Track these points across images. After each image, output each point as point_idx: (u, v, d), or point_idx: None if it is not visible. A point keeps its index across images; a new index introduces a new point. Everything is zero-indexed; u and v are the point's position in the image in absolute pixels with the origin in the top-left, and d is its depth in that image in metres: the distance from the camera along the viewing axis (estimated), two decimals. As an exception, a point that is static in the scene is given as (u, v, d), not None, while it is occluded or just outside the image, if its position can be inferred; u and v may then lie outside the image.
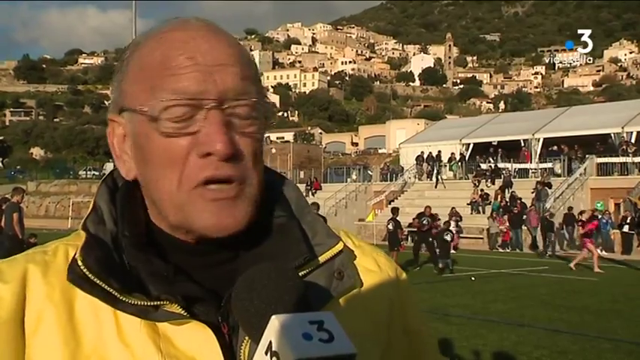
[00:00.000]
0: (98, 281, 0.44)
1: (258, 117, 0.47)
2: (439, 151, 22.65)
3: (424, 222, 11.34)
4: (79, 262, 0.45)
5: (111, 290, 0.44)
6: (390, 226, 10.91)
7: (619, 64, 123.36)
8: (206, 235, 0.46)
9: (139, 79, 0.47)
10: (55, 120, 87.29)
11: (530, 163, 21.03)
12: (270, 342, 0.34)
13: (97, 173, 38.76)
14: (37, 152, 68.94)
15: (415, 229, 11.96)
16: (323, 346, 0.34)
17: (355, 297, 0.51)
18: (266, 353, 0.35)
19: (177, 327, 0.44)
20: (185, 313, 0.44)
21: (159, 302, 0.44)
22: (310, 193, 23.80)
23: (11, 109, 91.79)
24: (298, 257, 0.48)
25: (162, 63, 0.46)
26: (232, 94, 0.46)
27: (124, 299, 0.44)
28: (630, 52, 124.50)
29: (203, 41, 0.46)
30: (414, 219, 12.01)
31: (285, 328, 0.34)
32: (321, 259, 0.49)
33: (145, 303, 0.44)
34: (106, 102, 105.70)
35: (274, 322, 0.35)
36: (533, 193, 17.88)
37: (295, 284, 0.41)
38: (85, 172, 39.02)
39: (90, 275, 0.44)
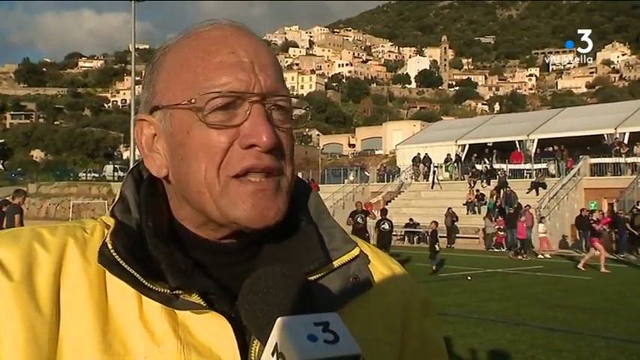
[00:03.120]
0: (126, 266, 0.45)
1: (291, 114, 0.49)
2: (426, 154, 22.85)
3: (359, 220, 10.48)
4: (109, 246, 0.46)
5: (137, 275, 0.45)
6: (387, 226, 10.95)
7: (612, 66, 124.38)
8: (244, 226, 0.46)
9: (179, 76, 0.48)
10: (55, 123, 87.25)
11: (521, 164, 21.22)
12: (277, 343, 0.35)
13: (96, 175, 38.70)
14: (37, 154, 68.77)
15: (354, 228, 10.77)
16: (328, 347, 0.34)
17: (371, 301, 0.52)
18: (272, 354, 0.35)
19: (196, 316, 0.45)
20: (203, 304, 0.45)
21: (180, 292, 0.45)
22: (307, 194, 23.79)
23: (12, 112, 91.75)
24: (313, 262, 0.48)
25: (204, 59, 0.47)
26: (272, 90, 0.47)
27: (149, 285, 0.45)
28: (623, 55, 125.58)
29: (242, 38, 0.48)
30: (348, 218, 10.74)
31: (290, 330, 0.35)
32: (336, 263, 0.50)
33: (167, 291, 0.45)
34: (105, 105, 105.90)
35: (280, 324, 0.35)
36: (528, 193, 18.03)
37: (302, 286, 0.41)
38: (85, 175, 38.67)
39: (119, 259, 0.45)
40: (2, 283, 0.43)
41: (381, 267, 0.55)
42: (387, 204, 21.27)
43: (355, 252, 0.51)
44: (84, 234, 0.49)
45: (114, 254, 0.45)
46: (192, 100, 0.46)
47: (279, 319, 0.36)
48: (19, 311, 0.42)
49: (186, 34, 0.50)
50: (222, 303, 0.46)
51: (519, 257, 13.65)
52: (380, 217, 11.08)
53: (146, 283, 0.45)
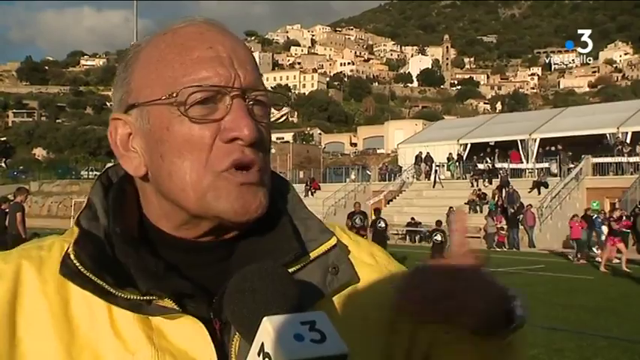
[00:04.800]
0: (91, 275, 0.44)
1: (269, 109, 0.49)
2: (428, 153, 22.82)
3: (357, 221, 10.39)
4: (72, 257, 0.45)
5: (103, 284, 0.44)
6: (383, 224, 10.92)
7: (614, 66, 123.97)
8: (227, 220, 0.46)
9: (156, 72, 0.47)
10: (57, 121, 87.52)
11: (520, 163, 21.17)
12: (262, 343, 0.35)
13: (98, 173, 38.96)
14: (39, 153, 69.05)
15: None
16: (315, 346, 0.34)
17: (352, 291, 0.51)
18: (258, 354, 0.35)
19: (170, 321, 0.44)
20: (177, 308, 0.44)
21: (151, 297, 0.44)
22: (309, 193, 23.87)
23: (14, 110, 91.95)
24: (289, 253, 0.48)
25: (182, 54, 0.47)
26: (251, 85, 0.47)
27: (116, 293, 0.44)
28: (625, 54, 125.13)
29: (218, 34, 0.48)
30: (347, 219, 10.57)
31: (276, 330, 0.34)
32: (313, 254, 0.50)
33: (138, 297, 0.44)
34: (107, 103, 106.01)
35: (266, 324, 0.35)
36: (529, 192, 18.01)
37: (287, 284, 0.41)
38: (86, 173, 39.02)
39: (82, 269, 0.44)
40: None
41: (363, 255, 0.54)
42: (388, 203, 21.31)
43: (332, 241, 0.51)
44: (39, 253, 0.48)
45: (77, 264, 0.44)
46: (173, 94, 0.46)
47: (265, 319, 0.35)
48: None
49: (161, 31, 0.49)
50: (199, 304, 0.45)
51: (578, 261, 11.98)
52: (375, 217, 11.07)
53: (113, 291, 0.44)
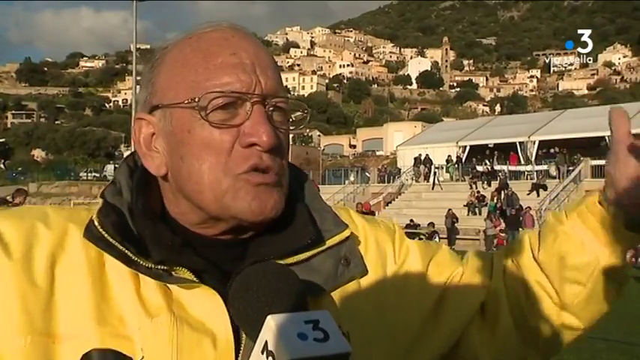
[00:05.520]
0: (114, 242, 0.46)
1: (288, 116, 0.51)
2: (427, 155, 22.88)
3: None
4: (96, 223, 0.47)
5: (126, 251, 0.46)
6: None
7: (613, 68, 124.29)
8: (244, 219, 0.47)
9: (180, 75, 0.48)
10: (56, 122, 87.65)
11: (519, 165, 21.19)
12: (266, 342, 0.35)
13: (97, 175, 38.99)
14: (38, 154, 69.05)
15: None
16: (318, 345, 0.34)
17: (361, 283, 0.53)
18: (262, 352, 0.35)
19: (188, 291, 0.46)
20: (196, 279, 0.46)
21: (169, 267, 0.46)
22: (308, 195, 23.84)
23: (13, 112, 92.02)
24: (305, 237, 0.50)
25: (206, 59, 0.48)
26: (272, 91, 0.49)
27: (138, 260, 0.46)
28: (624, 56, 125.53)
29: (242, 40, 0.49)
30: None
31: (280, 328, 0.35)
32: (328, 242, 0.51)
33: (158, 267, 0.46)
34: (106, 104, 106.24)
35: (270, 322, 0.35)
36: (528, 194, 18.02)
37: (291, 283, 0.42)
38: (85, 174, 39.03)
39: (106, 235, 0.47)
40: (1, 261, 0.45)
41: (379, 234, 0.57)
42: (387, 205, 21.31)
43: (346, 233, 0.52)
44: (88, 215, 0.50)
45: (100, 230, 0.47)
46: (195, 99, 0.47)
47: (269, 317, 0.36)
48: (14, 287, 0.44)
49: (187, 34, 0.50)
50: (213, 279, 0.47)
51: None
52: None
53: (134, 258, 0.46)
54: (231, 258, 0.49)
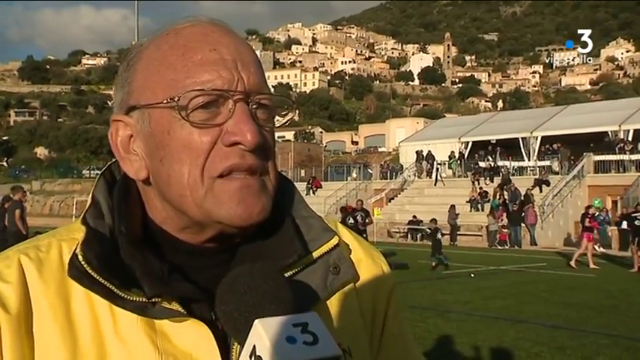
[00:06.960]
0: (98, 277, 0.44)
1: (273, 113, 0.48)
2: (429, 151, 22.82)
3: (358, 218, 10.11)
4: (80, 258, 0.44)
5: (111, 286, 0.43)
6: (352, 220, 10.65)
7: (616, 63, 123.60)
8: (229, 224, 0.45)
9: (158, 73, 0.46)
10: (58, 120, 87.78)
11: (521, 161, 21.11)
12: (254, 346, 0.34)
13: (100, 172, 39.20)
14: (41, 152, 69.20)
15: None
16: (307, 349, 0.33)
17: (351, 290, 0.51)
18: (250, 357, 0.34)
19: (174, 324, 0.44)
20: (182, 311, 0.44)
21: (156, 299, 0.44)
22: (311, 191, 23.88)
23: (16, 110, 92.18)
24: (291, 255, 0.47)
25: (184, 56, 0.45)
26: (255, 88, 0.46)
27: (123, 295, 0.44)
28: (627, 51, 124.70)
29: (223, 35, 0.47)
30: (349, 218, 10.19)
31: (268, 332, 0.34)
32: (315, 254, 0.49)
33: (143, 300, 0.44)
34: (109, 102, 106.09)
35: (257, 327, 0.34)
36: (531, 190, 17.97)
37: (279, 285, 0.40)
38: (88, 172, 39.14)
39: (90, 271, 0.44)
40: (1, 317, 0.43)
41: (362, 254, 0.54)
42: (390, 201, 21.28)
43: (334, 241, 0.51)
44: (39, 254, 0.47)
45: (85, 265, 0.44)
46: (174, 98, 0.44)
47: (256, 321, 0.35)
48: (10, 349, 0.42)
49: (164, 31, 0.48)
50: (202, 307, 0.45)
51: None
52: (343, 215, 10.68)
53: (120, 294, 0.43)
54: (219, 263, 0.48)
